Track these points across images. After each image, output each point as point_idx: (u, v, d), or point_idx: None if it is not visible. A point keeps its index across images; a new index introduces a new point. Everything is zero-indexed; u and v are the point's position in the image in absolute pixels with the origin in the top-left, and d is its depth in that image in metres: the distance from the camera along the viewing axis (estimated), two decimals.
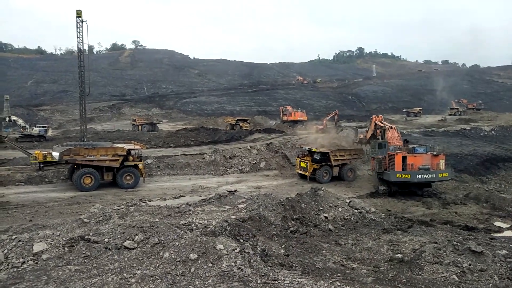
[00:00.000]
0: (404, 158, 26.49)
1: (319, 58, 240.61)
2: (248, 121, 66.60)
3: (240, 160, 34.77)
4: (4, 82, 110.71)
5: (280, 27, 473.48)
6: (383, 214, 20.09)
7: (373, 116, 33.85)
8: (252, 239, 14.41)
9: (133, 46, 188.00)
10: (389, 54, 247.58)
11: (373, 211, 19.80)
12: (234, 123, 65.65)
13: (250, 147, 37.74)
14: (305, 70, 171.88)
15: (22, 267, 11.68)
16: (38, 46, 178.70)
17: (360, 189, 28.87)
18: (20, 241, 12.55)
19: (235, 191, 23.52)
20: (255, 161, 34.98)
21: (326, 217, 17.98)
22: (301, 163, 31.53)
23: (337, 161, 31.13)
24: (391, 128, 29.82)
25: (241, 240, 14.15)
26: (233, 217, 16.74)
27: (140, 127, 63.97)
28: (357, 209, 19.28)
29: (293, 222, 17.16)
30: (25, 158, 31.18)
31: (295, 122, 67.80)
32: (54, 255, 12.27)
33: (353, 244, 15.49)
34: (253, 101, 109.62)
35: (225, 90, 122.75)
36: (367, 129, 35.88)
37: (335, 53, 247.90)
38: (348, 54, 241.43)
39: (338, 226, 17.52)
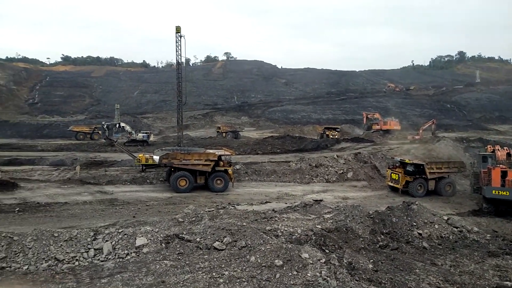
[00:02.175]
0: (504, 173, 23.45)
1: (413, 64, 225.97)
2: (337, 130, 65.28)
3: (326, 169, 34.16)
4: (115, 93, 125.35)
5: (369, 34, 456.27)
6: (488, 235, 17.96)
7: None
8: (338, 250, 14.05)
9: (225, 57, 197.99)
10: (496, 57, 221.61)
11: (476, 230, 17.84)
12: (322, 132, 64.98)
13: (337, 156, 36.86)
14: (397, 77, 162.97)
15: (126, 258, 12.97)
16: (143, 60, 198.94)
17: (460, 206, 26.24)
18: (125, 234, 13.95)
19: (321, 200, 23.17)
20: (342, 171, 34.06)
21: (420, 234, 16.72)
22: (392, 174, 29.83)
23: (433, 174, 28.80)
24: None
25: (327, 251, 13.89)
26: (319, 226, 16.51)
27: (224, 134, 66.99)
28: (456, 228, 17.56)
29: (382, 236, 16.29)
30: (131, 160, 34.65)
31: (386, 131, 64.49)
32: (153, 249, 13.41)
33: (452, 265, 14.13)
34: (340, 109, 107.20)
35: (312, 98, 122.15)
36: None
37: (432, 58, 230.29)
38: (446, 59, 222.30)
39: (433, 245, 16.15)
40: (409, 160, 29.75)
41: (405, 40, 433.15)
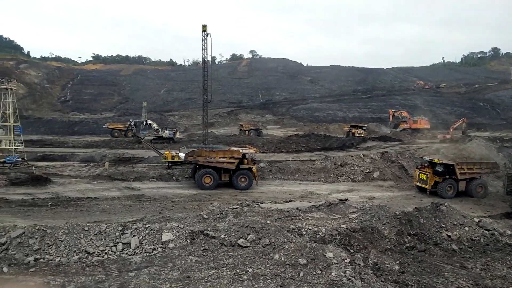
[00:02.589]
0: None
1: (443, 61, 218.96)
2: (364, 128, 64.22)
3: (352, 168, 33.69)
4: (142, 91, 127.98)
5: (397, 30, 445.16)
6: None
7: None
8: (363, 251, 13.86)
9: (250, 56, 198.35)
10: None
11: (509, 234, 17.15)
12: (348, 130, 64.13)
13: (363, 155, 36.28)
14: (426, 75, 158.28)
15: (153, 253, 13.28)
16: (170, 59, 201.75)
17: (493, 208, 25.28)
18: (152, 230, 14.27)
19: (346, 200, 22.89)
20: (368, 170, 33.50)
21: (449, 236, 16.25)
22: (420, 174, 29.09)
23: (464, 175, 27.88)
24: None
25: (352, 251, 13.73)
26: (344, 226, 16.33)
27: (247, 132, 67.21)
28: (488, 230, 16.95)
29: (409, 237, 15.94)
30: (157, 157, 35.35)
31: (415, 130, 62.90)
32: (178, 245, 13.65)
33: (483, 269, 13.66)
34: (367, 107, 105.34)
35: (338, 96, 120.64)
36: None
37: (463, 55, 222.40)
38: (479, 55, 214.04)
39: (463, 247, 15.66)
40: (438, 159, 28.92)
41: (435, 36, 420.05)
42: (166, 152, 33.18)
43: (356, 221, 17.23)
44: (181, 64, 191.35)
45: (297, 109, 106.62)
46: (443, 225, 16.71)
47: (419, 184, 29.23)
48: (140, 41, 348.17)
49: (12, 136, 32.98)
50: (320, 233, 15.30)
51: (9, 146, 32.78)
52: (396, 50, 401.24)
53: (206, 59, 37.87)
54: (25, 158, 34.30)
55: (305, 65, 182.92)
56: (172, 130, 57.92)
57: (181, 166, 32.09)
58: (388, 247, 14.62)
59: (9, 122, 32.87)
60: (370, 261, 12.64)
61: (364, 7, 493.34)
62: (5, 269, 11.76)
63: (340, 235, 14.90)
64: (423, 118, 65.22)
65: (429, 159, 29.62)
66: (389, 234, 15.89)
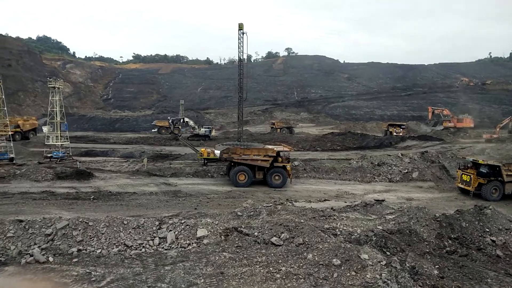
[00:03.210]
0: None
1: (490, 56, 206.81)
2: (402, 127, 62.27)
3: (390, 168, 32.73)
4: (180, 89, 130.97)
5: (439, 25, 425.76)
6: None
7: None
8: (400, 253, 13.45)
9: (286, 53, 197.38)
10: None
11: None
12: (386, 128, 62.47)
13: (402, 154, 35.14)
14: (471, 71, 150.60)
15: (188, 248, 13.58)
16: (207, 58, 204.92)
17: None
18: (187, 225, 14.59)
19: (383, 200, 22.29)
20: (406, 170, 32.42)
21: (493, 241, 15.39)
22: (463, 176, 27.78)
23: (510, 177, 26.32)
24: None
25: (388, 253, 13.36)
26: (380, 227, 15.92)
27: (279, 130, 67.03)
28: None
29: (450, 241, 15.27)
30: (193, 154, 36.06)
31: (459, 129, 60.22)
32: (212, 241, 13.88)
33: None
34: (407, 105, 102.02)
35: (376, 94, 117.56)
36: None
37: None
38: None
39: (509, 254, 14.79)
40: (483, 160, 27.49)
41: (482, 31, 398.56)
42: (202, 149, 33.75)
43: (393, 222, 16.75)
44: (217, 63, 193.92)
45: (333, 107, 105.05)
46: (487, 230, 15.86)
47: (462, 186, 27.92)
48: (179, 40, 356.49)
49: (59, 132, 34.80)
50: (355, 234, 15.00)
51: (56, 142, 34.62)
52: (439, 46, 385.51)
53: (242, 58, 38.10)
54: (70, 154, 36.11)
55: (342, 62, 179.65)
56: (208, 128, 58.80)
57: (216, 163, 32.54)
58: (427, 250, 14.08)
59: (56, 119, 34.70)
60: (408, 264, 12.24)
61: (405, 2, 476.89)
62: (50, 259, 12.46)
63: (376, 236, 14.53)
64: (468, 117, 62.26)
65: (473, 159, 28.23)
66: (428, 237, 15.32)
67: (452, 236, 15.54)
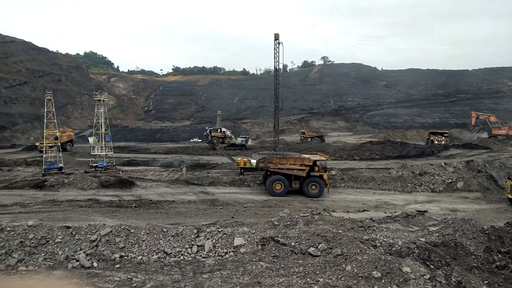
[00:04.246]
0: None
1: None
2: (445, 135, 59.70)
3: (432, 177, 31.41)
4: (217, 100, 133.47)
5: (484, 28, 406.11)
6: None
7: None
8: (445, 267, 12.81)
9: (322, 62, 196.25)
10: None
11: None
12: (428, 136, 60.18)
13: (445, 163, 33.65)
14: None
15: (225, 257, 13.69)
16: (243, 68, 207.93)
17: None
18: (224, 234, 14.74)
19: (425, 211, 21.36)
20: (450, 180, 30.98)
21: None
22: None
23: None
24: None
25: (432, 266, 12.77)
26: (423, 239, 15.27)
27: (309, 139, 66.15)
28: None
29: (500, 255, 14.35)
30: (230, 163, 36.49)
31: (507, 136, 56.95)
32: (249, 250, 13.91)
33: None
34: (449, 112, 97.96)
35: (416, 101, 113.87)
36: None
37: None
38: None
39: None
40: None
41: None
42: (239, 159, 34.08)
43: (437, 234, 16.01)
44: (253, 73, 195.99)
45: (371, 115, 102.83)
46: None
47: None
48: (215, 52, 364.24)
49: (103, 143, 36.49)
50: (396, 246, 14.48)
51: (101, 152, 36.31)
52: (484, 50, 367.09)
53: (277, 67, 38.30)
54: (114, 163, 37.71)
55: (379, 69, 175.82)
56: (244, 137, 59.31)
57: (253, 172, 32.70)
58: (475, 264, 13.32)
59: (101, 130, 36.43)
60: (453, 279, 11.65)
61: (446, 5, 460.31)
62: (95, 264, 13.00)
63: (418, 248, 13.95)
64: None
65: None
66: (475, 250, 14.49)
67: (502, 250, 14.61)
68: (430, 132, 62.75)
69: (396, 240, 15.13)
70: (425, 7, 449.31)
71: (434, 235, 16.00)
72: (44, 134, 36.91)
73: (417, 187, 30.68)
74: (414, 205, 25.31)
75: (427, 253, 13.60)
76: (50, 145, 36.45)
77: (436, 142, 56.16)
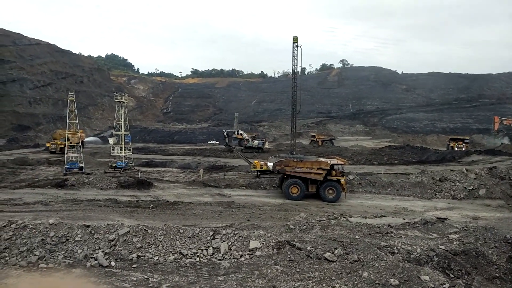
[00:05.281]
0: None
1: None
2: (466, 141, 58.27)
3: (453, 184, 30.67)
4: (235, 102, 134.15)
5: (506, 32, 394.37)
6: None
7: None
8: (465, 276, 12.49)
9: (340, 65, 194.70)
10: None
11: None
12: (449, 142, 58.94)
13: (466, 170, 32.81)
14: None
15: (241, 260, 13.69)
16: (261, 71, 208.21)
17: None
18: (240, 236, 14.74)
19: (446, 218, 20.86)
20: (472, 187, 30.18)
21: None
22: None
23: None
24: None
25: (451, 275, 12.47)
26: (442, 247, 14.91)
27: (320, 142, 65.54)
28: None
29: None
30: (247, 166, 36.55)
31: None
32: (265, 253, 13.87)
33: None
34: (472, 117, 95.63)
35: (437, 105, 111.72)
36: None
37: None
38: None
39: None
40: None
41: None
42: (255, 161, 34.10)
43: (457, 242, 15.60)
44: (271, 76, 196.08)
45: (390, 119, 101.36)
46: None
47: None
48: (233, 54, 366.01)
49: (123, 144, 37.11)
50: (415, 253, 14.18)
51: (120, 152, 36.93)
52: (508, 53, 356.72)
53: (296, 70, 38.27)
54: (133, 164, 38.29)
55: (399, 72, 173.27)
56: (261, 140, 59.35)
57: (269, 175, 32.66)
58: (497, 275, 12.93)
59: (121, 131, 37.07)
60: None
61: (468, 7, 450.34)
62: (113, 263, 13.21)
63: (438, 256, 13.64)
64: None
65: None
66: (497, 260, 14.05)
67: None
68: (450, 138, 61.42)
69: (415, 247, 14.81)
70: (446, 9, 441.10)
71: (455, 243, 15.60)
72: (66, 135, 37.79)
73: (437, 193, 30.03)
74: (434, 212, 24.77)
75: (447, 261, 13.30)
76: (72, 145, 37.30)
77: (456, 148, 54.92)
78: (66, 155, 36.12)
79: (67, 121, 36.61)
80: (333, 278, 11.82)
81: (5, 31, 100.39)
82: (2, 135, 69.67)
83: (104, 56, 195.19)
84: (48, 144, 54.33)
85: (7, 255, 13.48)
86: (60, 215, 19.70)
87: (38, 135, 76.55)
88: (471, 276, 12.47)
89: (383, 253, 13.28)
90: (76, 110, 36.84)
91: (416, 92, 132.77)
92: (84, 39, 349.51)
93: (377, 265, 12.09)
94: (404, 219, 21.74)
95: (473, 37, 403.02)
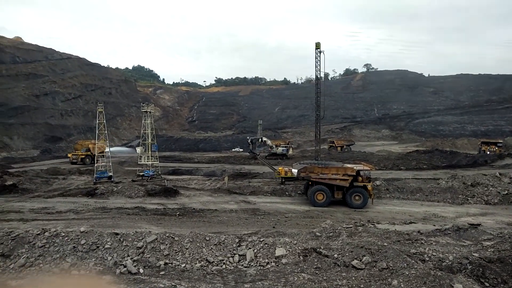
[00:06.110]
0: None
1: None
2: (498, 144, 56.06)
3: (486, 189, 29.52)
4: (258, 110, 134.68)
5: None
6: None
7: None
8: (501, 285, 11.96)
9: (364, 69, 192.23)
10: None
11: None
12: (480, 146, 56.90)
13: (500, 174, 31.53)
14: None
15: (266, 267, 13.63)
16: (284, 78, 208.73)
17: None
18: (266, 244, 14.70)
19: (479, 224, 20.08)
20: (506, 192, 28.92)
21: None
22: None
23: None
24: None
25: (486, 284, 11.97)
26: (476, 254, 14.35)
27: (339, 148, 64.52)
28: None
29: None
30: (271, 173, 36.51)
31: None
32: (291, 261, 13.76)
33: None
34: (504, 119, 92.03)
35: (467, 108, 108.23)
36: None
37: None
38: None
39: None
40: None
41: None
42: (280, 168, 34.01)
43: (492, 249, 14.98)
44: (294, 83, 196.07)
45: (418, 123, 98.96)
46: None
47: None
48: (257, 62, 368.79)
49: (150, 153, 37.92)
50: (447, 261, 13.71)
51: (147, 161, 37.74)
52: None
53: (319, 76, 38.08)
54: (159, 172, 39.02)
55: (426, 75, 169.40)
56: (285, 147, 59.17)
57: (294, 182, 32.48)
58: None
59: (148, 140, 37.90)
60: None
61: (499, 6, 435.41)
62: (141, 270, 13.44)
63: (471, 264, 13.13)
64: None
65: None
66: None
67: None
68: (481, 141, 59.26)
69: (447, 254, 14.33)
70: (474, 9, 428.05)
71: (489, 250, 14.98)
72: (96, 145, 38.99)
73: (469, 198, 28.97)
74: (466, 218, 23.88)
75: (481, 269, 12.78)
76: (94, 155, 38.43)
77: (489, 152, 52.93)
78: (95, 165, 37.23)
79: (97, 132, 37.79)
80: (362, 286, 11.57)
81: (38, 46, 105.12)
82: (36, 147, 72.72)
83: (131, 68, 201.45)
84: (69, 155, 55.61)
85: (41, 262, 13.96)
86: (91, 223, 20.26)
87: (69, 145, 79.29)
88: (508, 284, 11.93)
89: (413, 261, 12.91)
90: (105, 121, 37.98)
91: (444, 95, 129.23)
92: (112, 52, 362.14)
93: (407, 273, 11.75)
94: (434, 225, 21.11)
95: (505, 37, 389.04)
